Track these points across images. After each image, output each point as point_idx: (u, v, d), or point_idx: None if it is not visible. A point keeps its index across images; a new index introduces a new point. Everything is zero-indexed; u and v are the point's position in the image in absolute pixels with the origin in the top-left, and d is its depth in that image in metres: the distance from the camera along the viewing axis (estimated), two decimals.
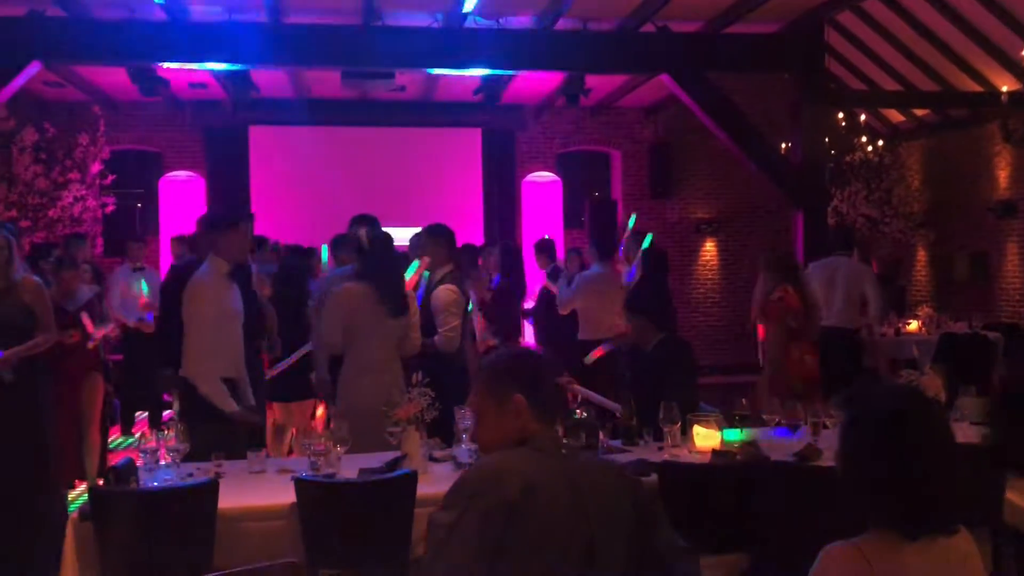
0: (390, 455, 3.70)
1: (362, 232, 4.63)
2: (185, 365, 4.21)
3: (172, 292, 5.14)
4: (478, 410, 2.24)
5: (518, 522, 1.96)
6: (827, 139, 8.44)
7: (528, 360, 2.27)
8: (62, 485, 5.14)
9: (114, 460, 5.76)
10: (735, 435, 3.96)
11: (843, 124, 10.73)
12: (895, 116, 11.68)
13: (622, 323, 6.07)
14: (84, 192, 9.71)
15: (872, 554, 1.74)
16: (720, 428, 3.92)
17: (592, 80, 9.29)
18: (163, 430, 3.68)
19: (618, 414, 4.32)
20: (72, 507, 5.00)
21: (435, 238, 5.22)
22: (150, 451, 3.57)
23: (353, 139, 11.32)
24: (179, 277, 4.95)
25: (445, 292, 5.00)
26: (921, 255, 11.75)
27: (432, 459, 3.76)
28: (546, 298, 8.03)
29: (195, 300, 4.22)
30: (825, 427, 4.01)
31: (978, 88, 9.56)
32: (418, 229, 5.51)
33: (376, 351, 4.46)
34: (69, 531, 3.21)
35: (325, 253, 6.65)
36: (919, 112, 11.22)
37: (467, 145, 11.73)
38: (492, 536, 1.95)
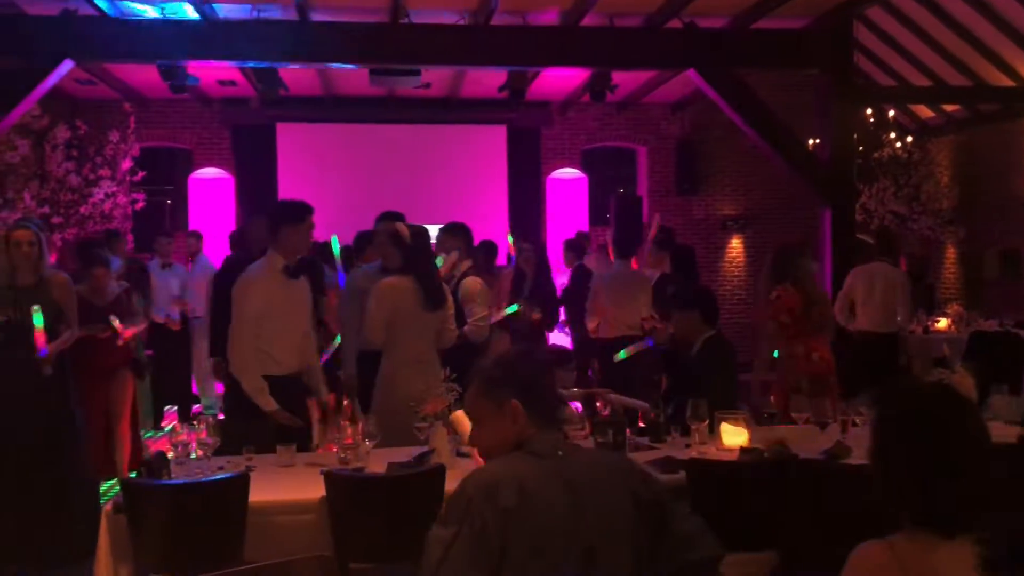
0: (418, 450, 3.73)
1: (400, 225, 4.65)
2: (230, 360, 4.23)
3: (222, 284, 5.21)
4: (475, 415, 2.23)
5: (516, 527, 1.97)
6: (855, 135, 8.36)
7: (524, 364, 2.25)
8: (94, 478, 5.21)
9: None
10: None
11: (871, 120, 10.63)
12: (924, 112, 11.55)
13: (645, 321, 6.05)
14: (115, 189, 9.81)
15: (905, 553, 1.72)
16: (748, 426, 3.90)
17: (618, 76, 9.24)
18: (194, 423, 3.72)
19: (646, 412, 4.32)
20: (104, 500, 5.06)
21: (453, 235, 5.31)
22: (181, 444, 3.61)
23: (379, 136, 11.35)
24: (231, 270, 5.00)
25: (472, 283, 5.09)
26: (950, 252, 11.62)
27: (459, 454, 3.78)
28: (570, 296, 8.04)
29: (241, 296, 4.20)
30: (854, 424, 3.98)
31: (1010, 83, 9.43)
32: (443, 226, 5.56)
33: (416, 344, 4.49)
34: (103, 523, 3.26)
35: (336, 245, 6.64)
36: (948, 108, 11.09)
37: (492, 142, 11.71)
38: (488, 549, 1.96)
